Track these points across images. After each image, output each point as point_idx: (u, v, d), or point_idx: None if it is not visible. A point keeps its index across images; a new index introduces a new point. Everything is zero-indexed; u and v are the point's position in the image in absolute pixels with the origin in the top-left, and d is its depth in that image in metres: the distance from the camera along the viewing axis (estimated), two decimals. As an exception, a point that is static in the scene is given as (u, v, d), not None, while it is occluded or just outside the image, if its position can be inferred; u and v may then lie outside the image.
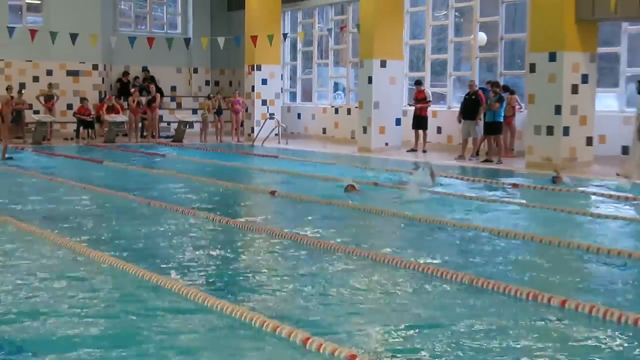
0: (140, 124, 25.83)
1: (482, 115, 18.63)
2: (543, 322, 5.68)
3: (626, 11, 15.87)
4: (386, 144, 21.41)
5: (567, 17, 16.51)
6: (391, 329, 5.50)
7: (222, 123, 25.74)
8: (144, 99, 25.63)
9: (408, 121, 21.46)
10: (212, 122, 25.66)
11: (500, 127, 18.38)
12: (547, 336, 5.40)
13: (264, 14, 25.69)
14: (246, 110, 26.00)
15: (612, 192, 12.77)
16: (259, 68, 26.11)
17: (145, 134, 25.99)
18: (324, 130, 26.23)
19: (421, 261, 7.46)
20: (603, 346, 5.21)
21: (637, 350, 5.13)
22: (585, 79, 16.72)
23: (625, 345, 5.23)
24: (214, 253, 8.11)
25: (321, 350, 4.86)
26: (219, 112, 25.53)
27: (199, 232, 9.29)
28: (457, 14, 22.75)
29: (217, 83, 30.82)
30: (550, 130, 16.53)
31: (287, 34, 26.89)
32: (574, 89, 16.41)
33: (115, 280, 6.79)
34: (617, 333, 5.44)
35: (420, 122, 20.98)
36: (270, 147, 22.71)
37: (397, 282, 6.87)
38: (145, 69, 29.15)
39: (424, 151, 20.74)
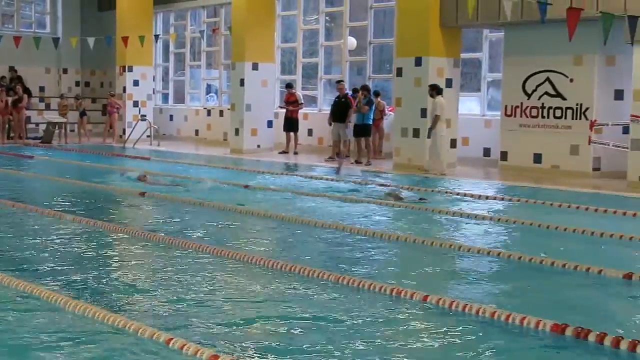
0: (7, 125, 25.10)
1: (351, 118, 19.06)
2: (401, 316, 5.96)
3: (487, 18, 16.58)
4: (258, 146, 21.58)
5: (432, 23, 17.12)
6: (250, 326, 5.64)
7: (85, 124, 25.38)
8: (10, 99, 24.91)
9: (280, 123, 21.69)
10: (75, 123, 25.35)
11: (370, 129, 18.83)
12: (406, 330, 5.67)
13: (135, 15, 25.42)
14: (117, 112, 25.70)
15: (474, 192, 13.33)
16: (130, 69, 25.82)
17: (12, 135, 25.27)
18: (197, 132, 26.18)
19: (287, 261, 7.60)
20: (457, 338, 5.52)
21: (486, 343, 5.45)
22: (449, 83, 17.36)
23: (478, 335, 5.56)
24: (78, 255, 8.04)
25: (184, 351, 4.90)
26: (82, 113, 25.20)
27: (65, 235, 9.16)
28: (327, 18, 23.15)
29: (87, 84, 30.25)
30: (416, 133, 17.08)
31: (158, 35, 26.67)
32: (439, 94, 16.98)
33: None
34: (470, 325, 5.77)
35: (291, 124, 21.26)
36: (142, 148, 22.50)
37: (258, 281, 7.02)
38: (12, 69, 28.29)
39: (296, 153, 21.02)
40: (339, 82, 20.14)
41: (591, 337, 5.27)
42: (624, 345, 5.11)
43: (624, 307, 6.56)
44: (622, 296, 6.87)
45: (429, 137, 16.36)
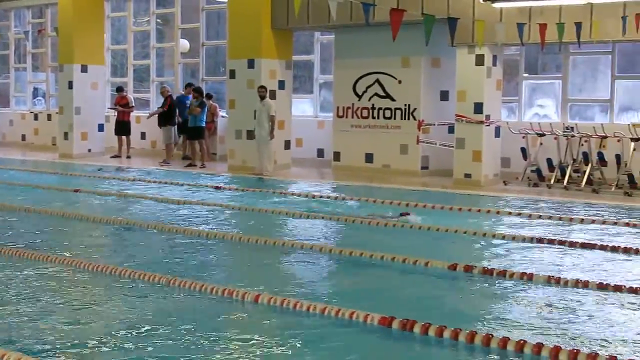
0: None
1: (176, 120, 18.99)
2: (233, 317, 5.92)
3: (317, 21, 16.78)
4: (89, 150, 20.96)
5: (263, 26, 17.15)
6: (77, 332, 5.47)
7: None
8: None
9: (111, 127, 21.17)
10: None
11: (203, 131, 18.67)
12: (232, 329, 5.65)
13: (-46, 15, 24.21)
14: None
15: (308, 192, 13.47)
16: (-51, 72, 24.56)
17: None
18: (23, 137, 25.15)
19: (117, 265, 7.44)
20: (289, 335, 5.54)
21: (317, 339, 5.49)
22: (281, 85, 17.47)
23: (309, 331, 5.59)
24: None
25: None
26: None
27: None
28: (159, 20, 22.80)
29: None
30: (250, 135, 17.06)
31: (-21, 36, 25.50)
32: (272, 95, 17.05)
33: None
34: (302, 322, 5.81)
35: (123, 127, 20.81)
36: (-37, 155, 21.41)
37: (88, 286, 6.82)
38: None
39: (128, 157, 20.57)
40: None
41: (416, 328, 5.41)
42: (447, 334, 5.28)
43: (448, 296, 6.79)
44: (447, 286, 7.11)
45: (272, 138, 16.42)
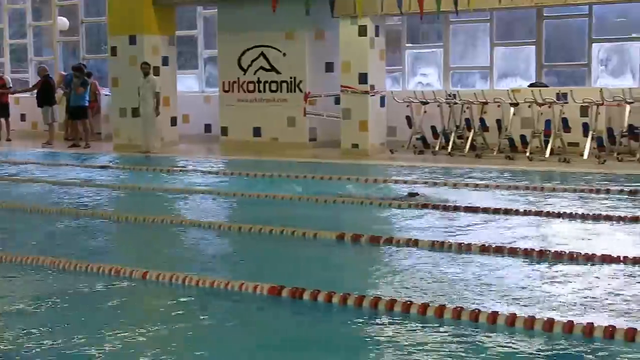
0: None
1: (56, 100, 18.67)
2: (120, 295, 5.85)
3: (199, -5, 16.63)
4: (-33, 135, 20.24)
5: (145, 1, 16.82)
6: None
7: None
8: None
9: (-10, 110, 20.45)
10: None
11: (86, 111, 18.23)
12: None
13: None
14: None
15: (197, 168, 13.38)
16: None
17: None
18: None
19: (7, 250, 7.24)
20: (180, 311, 5.51)
21: (207, 312, 5.48)
22: (165, 61, 17.21)
23: (200, 305, 5.57)
24: None
25: None
26: None
27: None
28: (35, -3, 22.09)
29: None
30: (135, 112, 16.75)
31: None
32: (156, 72, 16.75)
33: None
34: (192, 296, 5.79)
35: (1, 109, 20.11)
36: None
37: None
38: None
39: (9, 139, 19.92)
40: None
41: (306, 296, 5.46)
42: (335, 300, 5.35)
43: (337, 264, 6.88)
44: (335, 254, 7.20)
45: (158, 114, 16.14)
